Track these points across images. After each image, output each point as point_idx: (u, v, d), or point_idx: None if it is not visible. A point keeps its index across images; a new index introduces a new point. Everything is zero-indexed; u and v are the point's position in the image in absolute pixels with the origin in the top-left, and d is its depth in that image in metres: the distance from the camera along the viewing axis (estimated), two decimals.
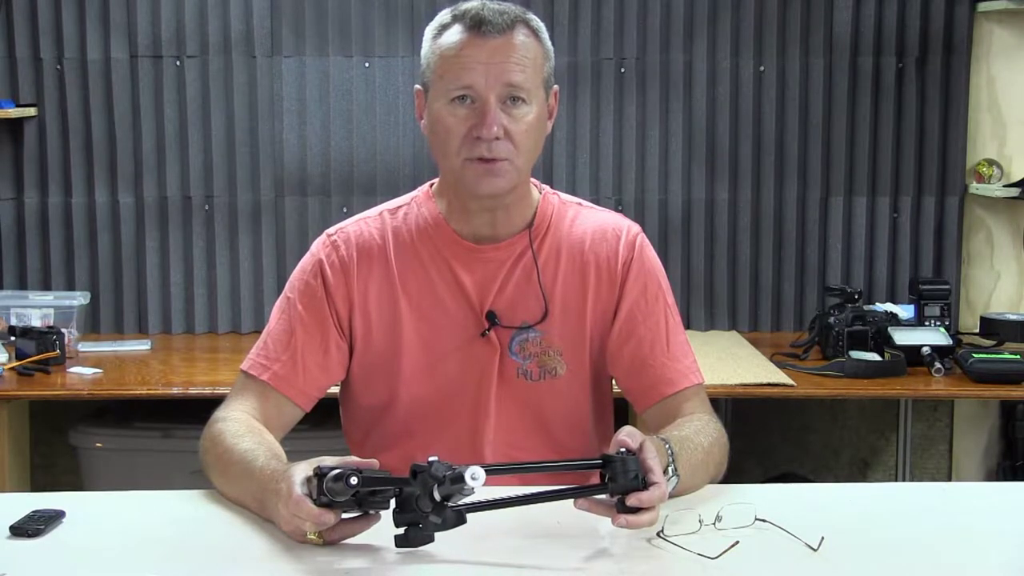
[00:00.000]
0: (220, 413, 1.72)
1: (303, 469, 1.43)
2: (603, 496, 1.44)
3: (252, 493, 1.54)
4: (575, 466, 1.49)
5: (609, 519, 1.42)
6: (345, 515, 1.41)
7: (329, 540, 1.42)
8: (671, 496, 1.56)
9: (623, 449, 1.43)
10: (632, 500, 1.41)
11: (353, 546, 1.42)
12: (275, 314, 1.81)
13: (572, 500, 1.44)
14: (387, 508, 1.39)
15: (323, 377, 1.78)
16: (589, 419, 1.84)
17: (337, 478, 1.36)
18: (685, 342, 1.83)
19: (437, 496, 1.33)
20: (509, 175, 1.71)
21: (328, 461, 1.43)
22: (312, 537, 1.42)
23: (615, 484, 1.42)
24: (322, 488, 1.38)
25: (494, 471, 1.40)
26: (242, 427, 1.67)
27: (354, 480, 1.35)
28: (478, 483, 1.31)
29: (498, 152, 1.68)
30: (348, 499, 1.38)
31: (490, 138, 1.67)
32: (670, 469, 1.54)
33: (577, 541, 1.46)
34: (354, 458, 1.45)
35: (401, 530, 1.39)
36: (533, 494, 1.44)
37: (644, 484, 1.42)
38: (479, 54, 1.67)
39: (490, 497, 1.44)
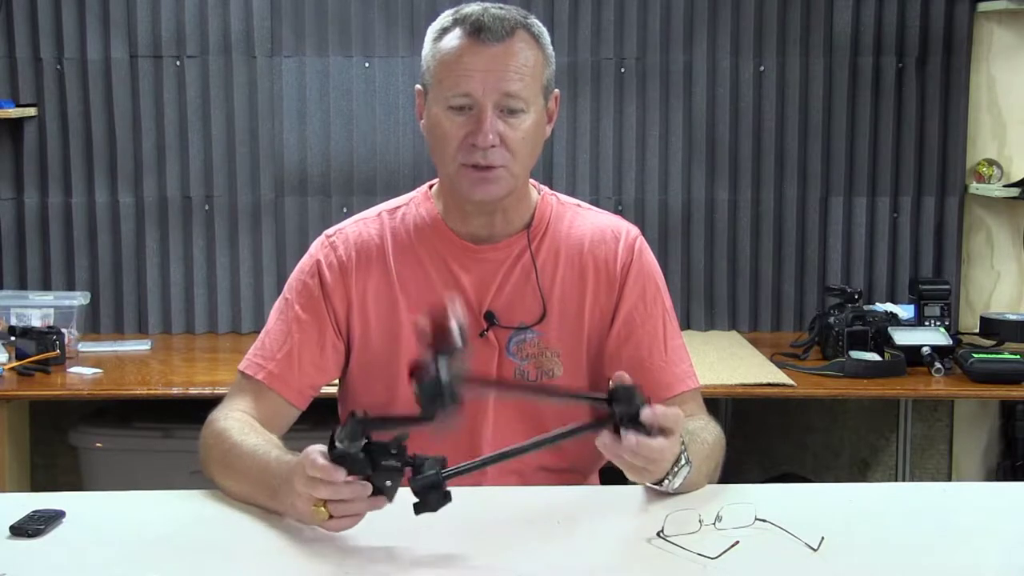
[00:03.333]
0: (217, 413, 1.73)
1: (318, 447, 1.44)
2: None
3: (268, 484, 1.52)
4: (578, 430, 1.47)
5: (612, 518, 1.43)
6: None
7: (334, 514, 1.40)
8: (678, 492, 1.57)
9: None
10: (646, 415, 1.41)
11: (353, 546, 1.42)
12: (273, 315, 1.81)
13: (572, 492, 1.45)
14: (400, 476, 1.39)
15: (319, 376, 1.79)
16: (586, 420, 1.83)
17: (345, 435, 1.37)
18: (682, 346, 1.83)
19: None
20: (504, 182, 1.71)
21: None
22: (319, 509, 1.40)
23: (621, 407, 1.42)
24: (333, 444, 1.38)
25: (498, 457, 1.43)
26: (246, 426, 1.68)
27: (359, 414, 1.36)
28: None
29: (493, 160, 1.68)
30: (360, 457, 1.37)
31: (485, 146, 1.67)
32: (683, 457, 1.54)
33: (577, 541, 1.46)
34: None
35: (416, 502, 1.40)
36: (537, 441, 1.46)
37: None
38: (477, 62, 1.67)
39: (494, 487, 1.44)
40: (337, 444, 1.38)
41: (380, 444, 1.39)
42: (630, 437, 1.41)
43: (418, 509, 1.38)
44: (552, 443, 1.46)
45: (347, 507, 1.40)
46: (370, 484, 1.39)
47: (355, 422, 1.36)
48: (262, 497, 1.55)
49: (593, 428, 1.45)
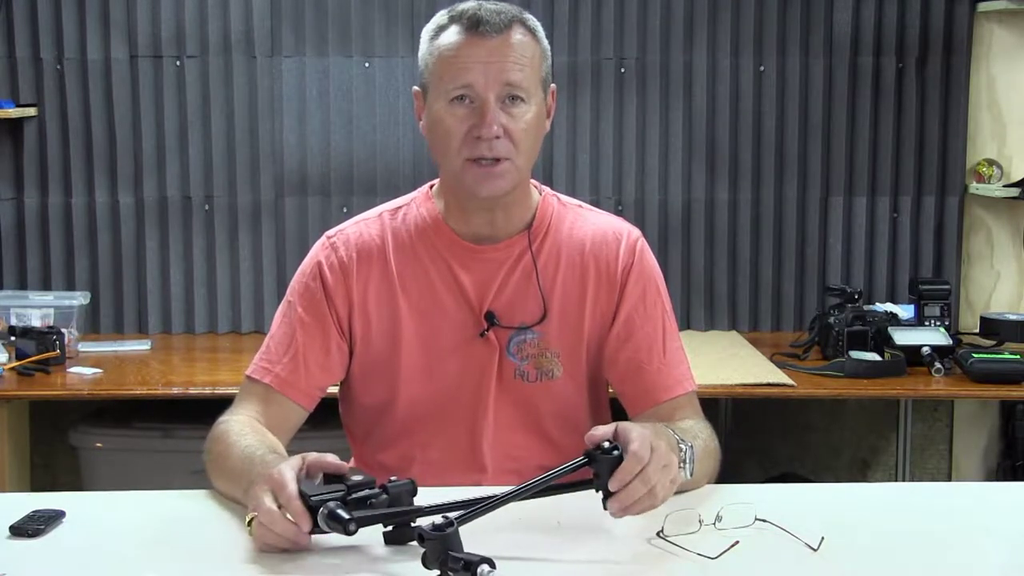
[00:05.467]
0: (223, 417, 1.73)
1: (294, 465, 1.43)
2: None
3: (244, 481, 1.52)
4: (561, 472, 1.45)
5: (612, 518, 1.43)
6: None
7: (256, 531, 1.41)
8: (680, 491, 1.57)
9: (607, 443, 1.43)
10: (613, 483, 1.41)
11: (353, 546, 1.42)
12: (277, 318, 1.81)
13: (567, 496, 1.45)
14: (341, 530, 1.36)
15: (325, 377, 1.79)
16: (586, 421, 1.83)
17: (334, 517, 1.35)
18: (680, 348, 1.83)
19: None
20: (509, 175, 1.71)
21: (312, 458, 1.44)
22: (248, 516, 1.41)
23: (599, 480, 1.42)
24: (314, 516, 1.38)
25: (485, 507, 1.39)
26: (245, 427, 1.68)
27: (352, 528, 1.35)
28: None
29: (498, 151, 1.68)
30: (319, 501, 1.38)
31: (490, 137, 1.67)
32: (683, 445, 1.54)
33: (577, 541, 1.46)
34: (330, 456, 1.45)
35: (389, 527, 1.40)
36: (517, 491, 1.42)
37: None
38: (477, 53, 1.68)
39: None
40: (319, 524, 1.37)
41: (360, 487, 1.39)
42: (613, 510, 1.42)
43: (388, 539, 1.40)
44: (536, 489, 1.44)
45: (266, 531, 1.39)
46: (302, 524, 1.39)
47: (344, 533, 1.35)
48: (239, 493, 1.54)
49: (571, 490, 1.47)
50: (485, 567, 1.24)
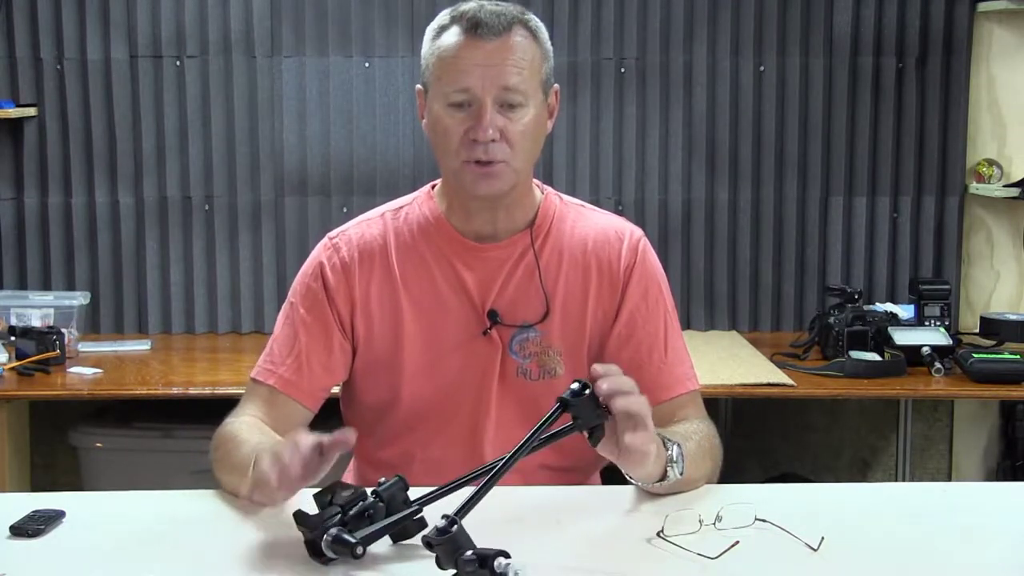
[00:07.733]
0: (229, 419, 1.73)
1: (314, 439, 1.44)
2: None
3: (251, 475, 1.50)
4: (540, 427, 1.44)
5: (612, 518, 1.43)
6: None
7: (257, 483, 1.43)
8: (675, 492, 1.57)
9: (576, 384, 1.43)
10: (599, 366, 1.42)
11: None
12: (280, 320, 1.82)
13: (573, 492, 1.44)
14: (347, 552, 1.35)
15: (328, 377, 1.79)
16: None
17: (339, 542, 1.33)
18: (683, 347, 1.83)
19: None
20: (506, 177, 1.71)
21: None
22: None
23: (581, 421, 1.43)
24: (318, 546, 1.36)
25: (482, 489, 1.38)
26: (253, 428, 1.69)
27: (359, 551, 1.33)
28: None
29: (494, 154, 1.69)
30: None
31: (486, 140, 1.67)
32: (670, 444, 1.54)
33: (576, 540, 1.46)
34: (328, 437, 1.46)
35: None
36: (507, 459, 1.40)
37: (607, 411, 1.43)
38: (476, 56, 1.68)
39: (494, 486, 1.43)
40: (323, 549, 1.35)
41: (353, 502, 1.38)
42: (626, 440, 1.43)
43: (395, 537, 1.40)
44: (525, 452, 1.42)
45: (266, 486, 1.41)
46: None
47: (352, 556, 1.33)
48: (244, 480, 1.52)
49: (557, 437, 1.46)
50: (501, 560, 1.23)
